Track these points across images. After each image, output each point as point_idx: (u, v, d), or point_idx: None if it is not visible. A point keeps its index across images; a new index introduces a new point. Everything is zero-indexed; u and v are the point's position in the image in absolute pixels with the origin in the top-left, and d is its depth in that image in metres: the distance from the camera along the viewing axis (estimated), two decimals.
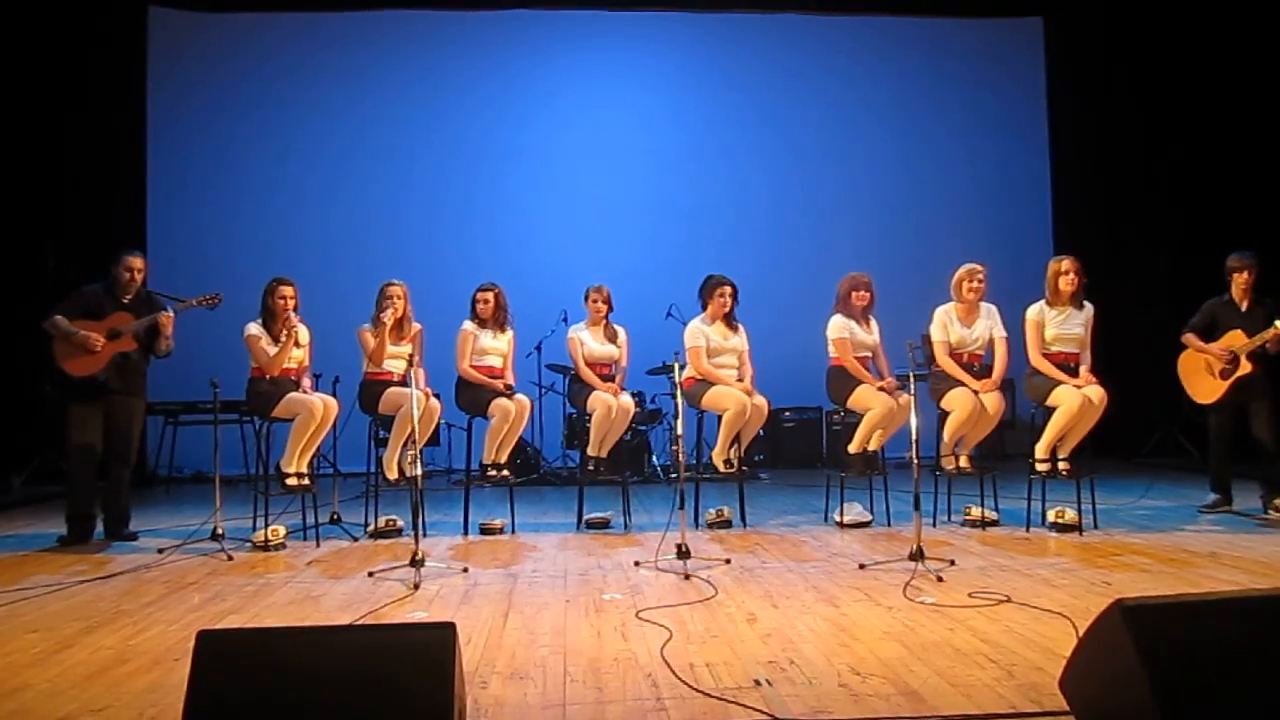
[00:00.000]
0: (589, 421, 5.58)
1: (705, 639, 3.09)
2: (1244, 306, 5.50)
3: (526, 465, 7.80)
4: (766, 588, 3.82)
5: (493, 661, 2.88)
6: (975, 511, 5.30)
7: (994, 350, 5.41)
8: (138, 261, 5.25)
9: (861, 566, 4.19)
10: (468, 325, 5.61)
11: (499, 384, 5.51)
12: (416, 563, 4.04)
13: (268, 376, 5.16)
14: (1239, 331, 5.41)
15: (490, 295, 5.63)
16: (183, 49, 9.17)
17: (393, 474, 5.32)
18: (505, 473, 5.54)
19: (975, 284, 5.37)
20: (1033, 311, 5.31)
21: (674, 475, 4.77)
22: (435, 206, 9.31)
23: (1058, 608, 3.35)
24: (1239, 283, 5.51)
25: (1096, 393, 5.03)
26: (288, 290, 5.25)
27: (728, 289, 5.59)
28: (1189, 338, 5.61)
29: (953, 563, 4.21)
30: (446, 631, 2.11)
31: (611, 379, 5.67)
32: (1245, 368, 5.35)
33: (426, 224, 9.23)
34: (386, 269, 5.88)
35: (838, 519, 5.42)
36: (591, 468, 5.62)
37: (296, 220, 9.14)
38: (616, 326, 5.83)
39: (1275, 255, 5.72)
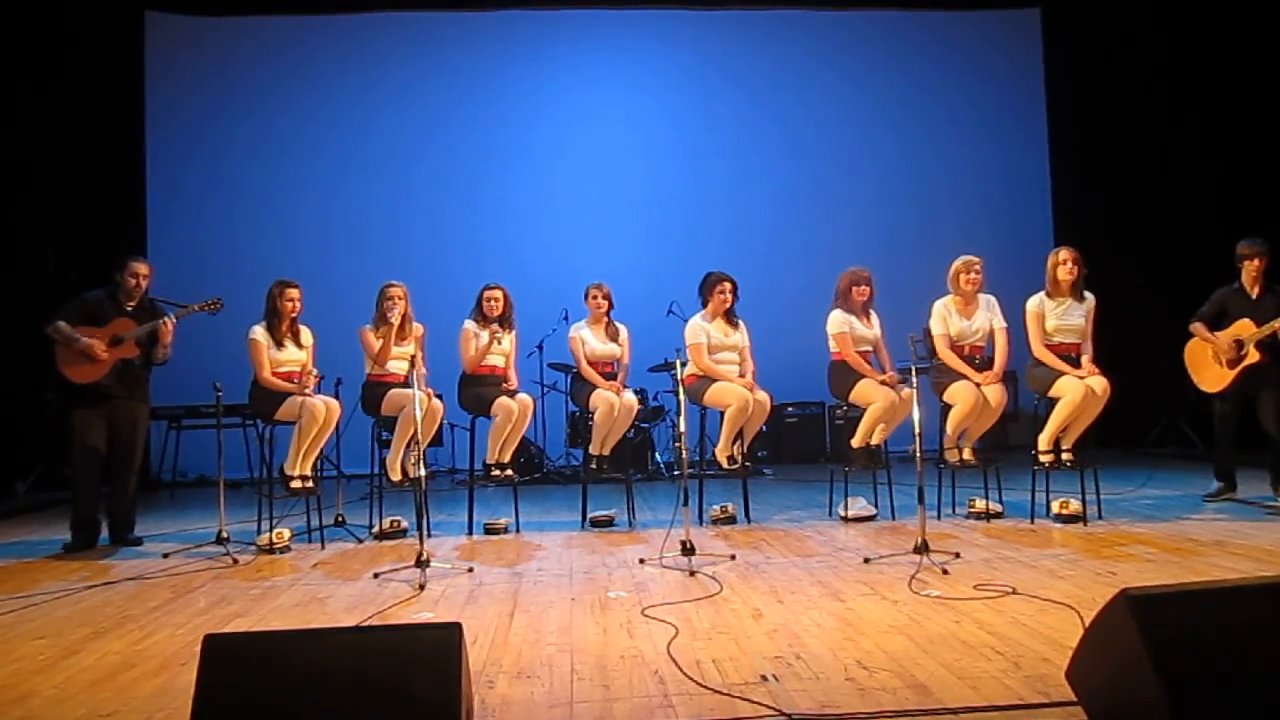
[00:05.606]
0: (591, 420, 5.58)
1: (711, 635, 3.09)
2: (1254, 294, 5.40)
3: (530, 464, 7.80)
4: (771, 583, 3.82)
5: (499, 661, 2.88)
6: (979, 504, 5.29)
7: (994, 342, 5.40)
8: (143, 267, 5.24)
9: (866, 561, 4.19)
10: (469, 325, 5.61)
11: (499, 360, 5.53)
12: (421, 563, 4.04)
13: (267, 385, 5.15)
14: (1248, 320, 5.32)
15: (499, 294, 5.62)
16: (179, 53, 9.16)
17: (396, 475, 5.32)
18: (509, 472, 5.54)
19: (972, 275, 5.35)
20: (1033, 303, 5.28)
21: (677, 472, 4.77)
22: (435, 207, 9.30)
23: (1063, 598, 3.35)
24: (1249, 270, 5.40)
25: (1099, 383, 5.01)
26: (294, 293, 5.23)
27: (727, 285, 5.58)
28: (1196, 326, 5.54)
29: (958, 555, 4.21)
30: (452, 632, 2.11)
31: (613, 377, 5.67)
32: (1253, 356, 5.27)
33: (426, 225, 9.22)
34: (387, 270, 5.88)
35: (842, 514, 5.41)
36: (595, 466, 5.63)
37: (297, 223, 9.14)
38: (618, 324, 5.83)
39: (1275, 243, 5.68)
